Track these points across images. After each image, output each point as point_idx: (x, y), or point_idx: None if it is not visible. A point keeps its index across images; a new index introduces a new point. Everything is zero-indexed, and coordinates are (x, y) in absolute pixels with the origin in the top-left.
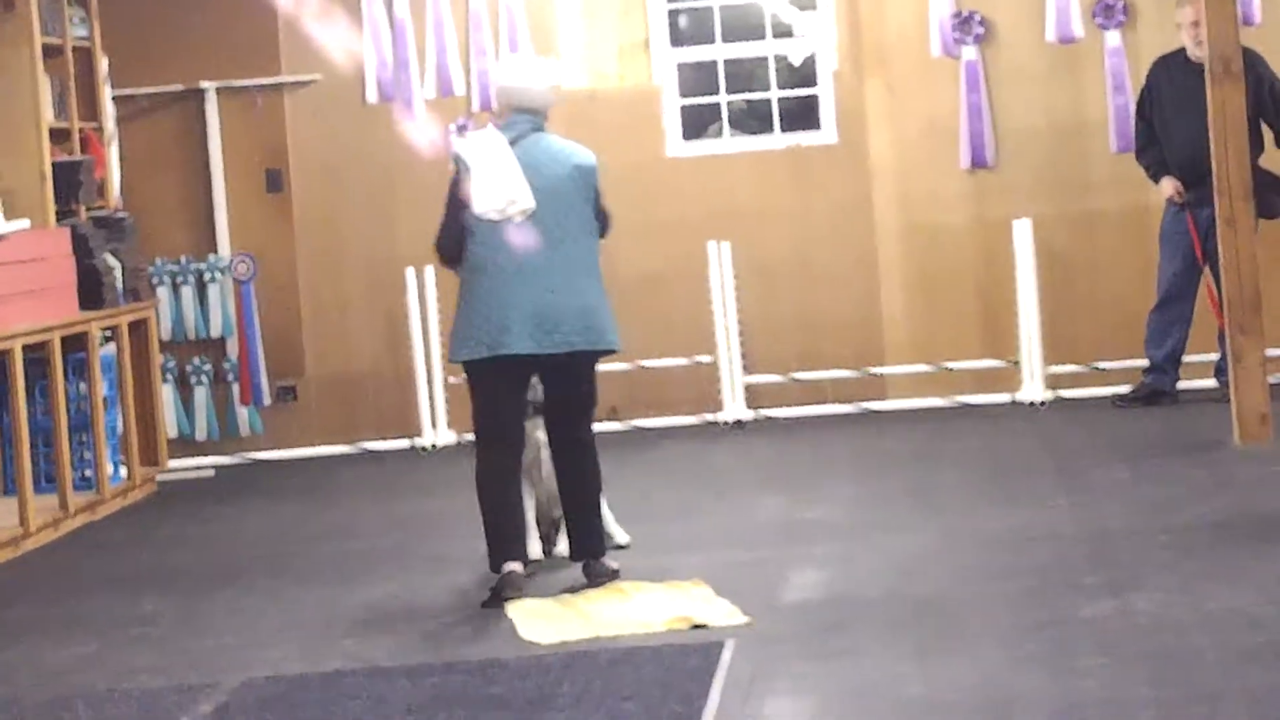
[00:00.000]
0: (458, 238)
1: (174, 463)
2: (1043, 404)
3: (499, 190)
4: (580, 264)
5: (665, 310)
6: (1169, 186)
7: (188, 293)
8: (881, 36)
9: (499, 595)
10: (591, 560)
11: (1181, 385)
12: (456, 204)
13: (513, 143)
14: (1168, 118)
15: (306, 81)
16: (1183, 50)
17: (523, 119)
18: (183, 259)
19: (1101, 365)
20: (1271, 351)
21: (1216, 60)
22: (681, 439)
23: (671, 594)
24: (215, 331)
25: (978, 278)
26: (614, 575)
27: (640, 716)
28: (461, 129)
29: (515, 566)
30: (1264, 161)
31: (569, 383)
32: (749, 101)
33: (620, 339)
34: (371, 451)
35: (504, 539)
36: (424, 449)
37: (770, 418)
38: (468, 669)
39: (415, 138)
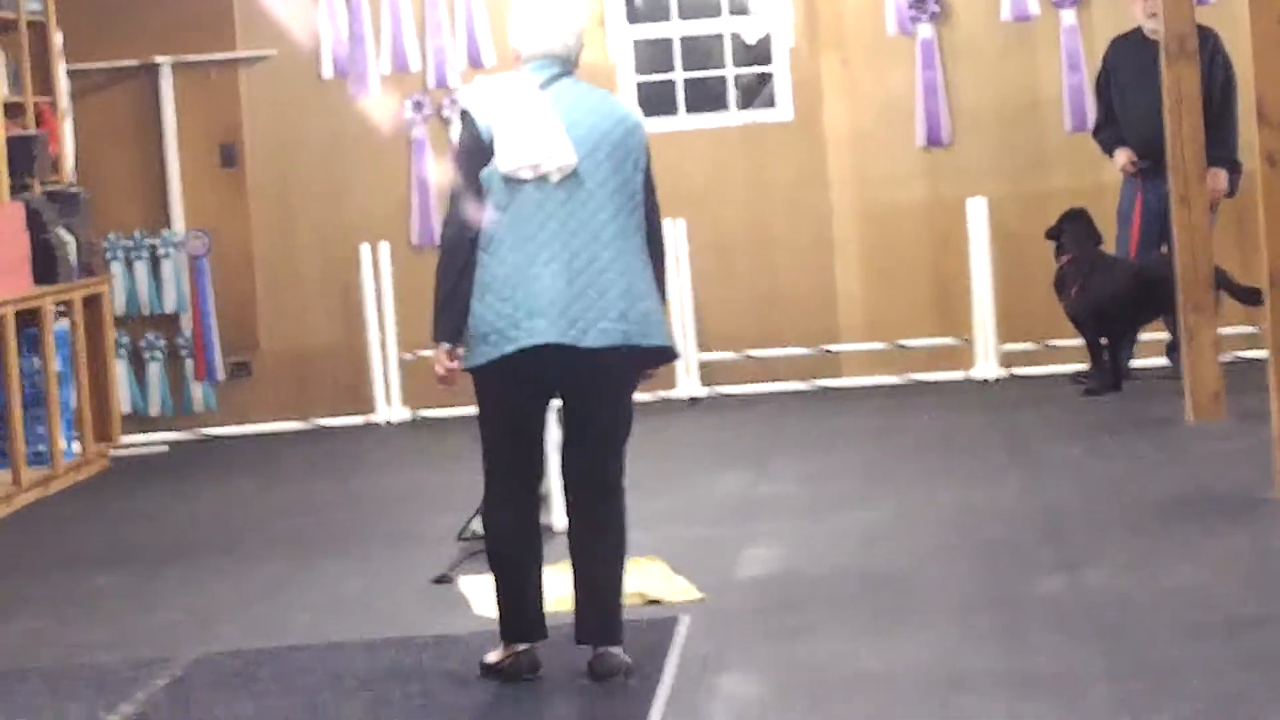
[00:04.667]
0: (471, 216)
1: (128, 438)
2: (996, 381)
3: (532, 142)
4: (627, 240)
5: None
6: (1122, 156)
7: (142, 268)
8: (837, 14)
9: (505, 674)
10: (602, 649)
11: (1135, 364)
12: (467, 172)
13: (540, 88)
14: (1125, 95)
15: (261, 57)
16: (1139, 29)
17: (547, 63)
18: (137, 234)
19: (1055, 343)
20: (1224, 330)
21: (1172, 39)
22: (636, 415)
23: (627, 570)
24: (169, 307)
25: (932, 256)
26: (627, 673)
27: (596, 691)
28: (417, 105)
29: (528, 645)
30: None
31: (601, 397)
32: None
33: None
34: (326, 428)
35: (519, 611)
36: (378, 425)
37: (725, 395)
38: (423, 644)
39: (371, 113)
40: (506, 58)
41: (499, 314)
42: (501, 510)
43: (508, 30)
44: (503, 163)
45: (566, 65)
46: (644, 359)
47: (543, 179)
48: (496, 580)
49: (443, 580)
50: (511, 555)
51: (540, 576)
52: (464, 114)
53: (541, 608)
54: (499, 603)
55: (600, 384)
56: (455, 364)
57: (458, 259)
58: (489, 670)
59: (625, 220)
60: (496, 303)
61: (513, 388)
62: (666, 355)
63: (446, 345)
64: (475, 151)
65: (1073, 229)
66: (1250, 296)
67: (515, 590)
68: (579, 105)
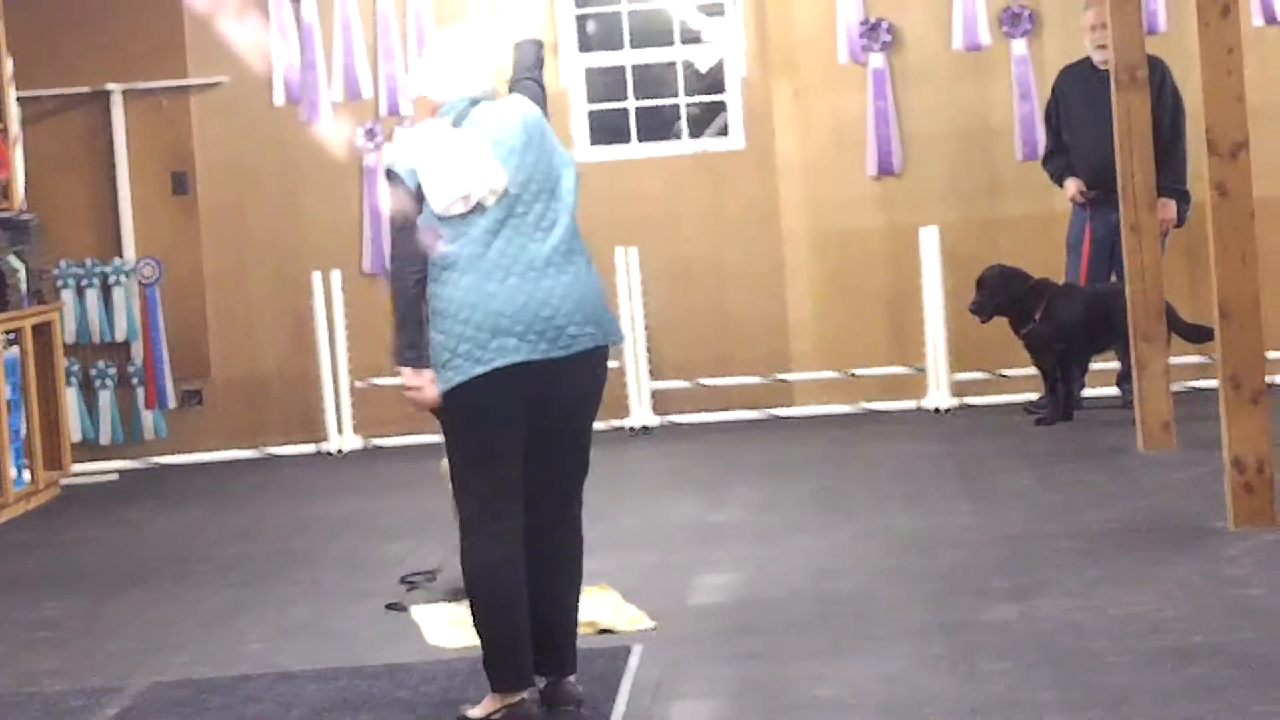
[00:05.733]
0: (417, 258)
1: (78, 466)
2: (948, 411)
3: (457, 175)
4: (572, 240)
5: None
6: (1072, 186)
7: (93, 295)
8: (789, 43)
9: None
10: (558, 680)
11: (1086, 393)
12: (402, 223)
13: (454, 125)
14: (1074, 125)
15: (213, 83)
16: (1088, 59)
17: (458, 103)
18: (88, 261)
19: (1007, 373)
20: (1174, 359)
21: (1122, 68)
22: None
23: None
24: (120, 335)
25: (885, 284)
26: (580, 702)
27: None
28: (369, 132)
29: (524, 695)
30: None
31: (577, 408)
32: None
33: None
34: (277, 456)
35: (515, 657)
36: (329, 453)
37: (677, 423)
38: (374, 673)
39: (323, 140)
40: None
41: (460, 337)
42: (491, 549)
43: (419, 80)
44: (435, 204)
45: (477, 98)
46: (607, 354)
47: (479, 205)
48: (487, 626)
49: (395, 607)
50: (505, 597)
51: (527, 623)
52: (389, 173)
53: (530, 654)
54: (491, 650)
55: (576, 394)
56: (425, 378)
57: (408, 290)
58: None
59: (568, 221)
60: (454, 326)
61: (484, 412)
62: (618, 343)
63: (410, 367)
64: (407, 207)
65: (994, 287)
66: (1196, 335)
67: (509, 634)
68: (496, 123)
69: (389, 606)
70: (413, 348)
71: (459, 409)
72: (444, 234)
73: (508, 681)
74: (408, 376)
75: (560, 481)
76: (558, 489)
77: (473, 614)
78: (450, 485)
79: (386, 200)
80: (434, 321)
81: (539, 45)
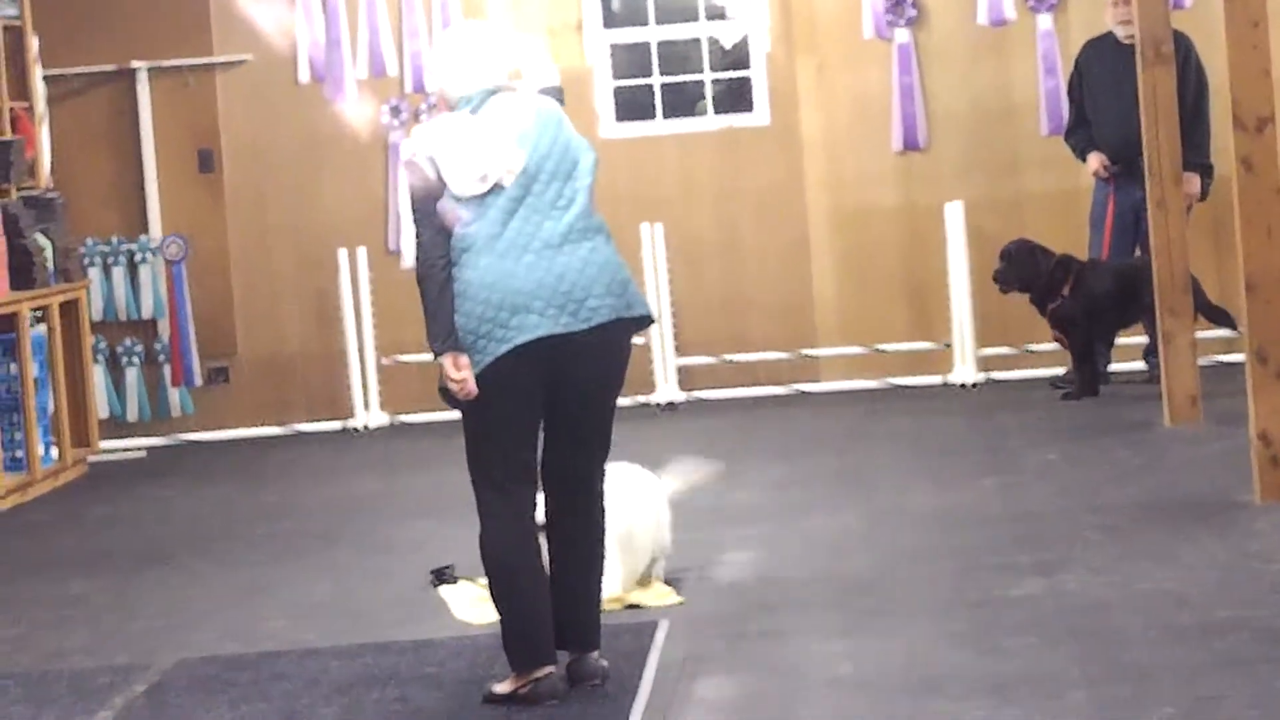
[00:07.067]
0: (441, 244)
1: (105, 444)
2: (974, 386)
3: (476, 156)
4: (589, 219)
5: None
6: (1095, 161)
7: (119, 273)
8: (813, 18)
9: (524, 702)
10: (580, 654)
11: (1112, 368)
12: (425, 210)
13: (471, 113)
14: (1097, 99)
15: (238, 61)
16: (1112, 33)
17: (474, 95)
18: (114, 239)
19: (1033, 348)
20: (1201, 334)
21: (1147, 43)
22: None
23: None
24: (147, 312)
25: (909, 260)
26: (605, 677)
27: (573, 697)
28: (394, 110)
29: (550, 669)
30: None
31: (600, 381)
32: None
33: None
34: (303, 433)
35: (537, 635)
36: (356, 430)
37: (702, 399)
38: (400, 649)
39: (347, 118)
40: None
41: (481, 318)
42: (505, 531)
43: (437, 74)
44: (455, 187)
45: (496, 91)
46: (631, 329)
47: (498, 185)
48: (509, 605)
49: (444, 578)
50: (521, 578)
51: (548, 598)
52: (409, 164)
53: (551, 628)
54: (512, 629)
55: (597, 372)
56: (466, 373)
57: (435, 277)
58: (502, 701)
59: (585, 200)
60: (475, 307)
61: (505, 393)
62: (647, 321)
63: (449, 353)
64: (428, 191)
65: (1019, 260)
66: (1217, 317)
67: (531, 612)
68: (512, 110)
69: (438, 578)
70: (450, 335)
71: (481, 390)
72: (463, 215)
73: (525, 661)
74: (448, 366)
75: (582, 460)
76: (579, 468)
77: (491, 594)
78: None
79: (406, 191)
80: (455, 304)
81: (559, 91)
